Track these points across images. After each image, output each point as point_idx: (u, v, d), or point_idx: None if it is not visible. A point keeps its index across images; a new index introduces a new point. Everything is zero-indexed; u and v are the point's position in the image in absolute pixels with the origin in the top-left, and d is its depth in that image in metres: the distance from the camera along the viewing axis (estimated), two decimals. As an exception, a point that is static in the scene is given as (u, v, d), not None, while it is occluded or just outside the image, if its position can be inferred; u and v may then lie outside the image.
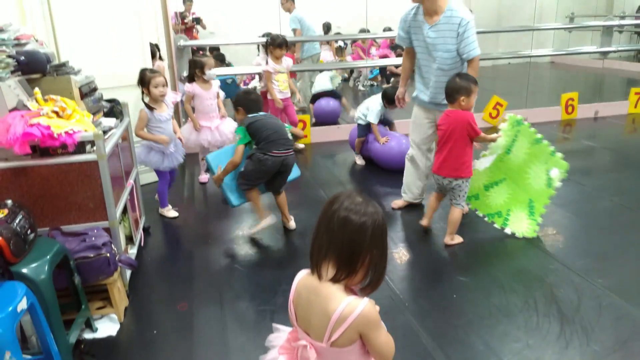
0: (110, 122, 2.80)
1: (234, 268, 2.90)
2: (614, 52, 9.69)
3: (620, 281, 2.61)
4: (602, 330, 2.20)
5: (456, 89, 2.90)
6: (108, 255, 2.30)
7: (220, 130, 4.17)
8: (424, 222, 3.27)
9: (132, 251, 2.94)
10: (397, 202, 3.69)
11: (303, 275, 1.31)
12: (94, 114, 2.68)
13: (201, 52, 7.57)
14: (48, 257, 1.98)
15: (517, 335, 2.19)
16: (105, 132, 2.60)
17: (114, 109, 3.01)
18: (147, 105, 3.30)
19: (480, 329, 2.25)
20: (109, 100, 3.07)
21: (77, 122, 2.38)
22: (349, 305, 1.17)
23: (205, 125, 4.10)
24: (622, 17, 11.04)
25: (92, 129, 2.38)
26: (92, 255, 2.26)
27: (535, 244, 3.07)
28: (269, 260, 3.01)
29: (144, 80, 3.26)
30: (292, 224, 3.38)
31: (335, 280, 1.21)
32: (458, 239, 3.11)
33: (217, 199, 3.96)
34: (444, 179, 3.02)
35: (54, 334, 1.91)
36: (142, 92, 3.30)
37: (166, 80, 3.38)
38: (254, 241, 3.24)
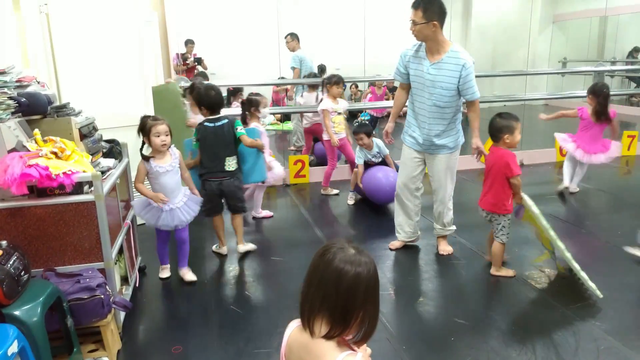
0: (109, 162, 2.83)
1: (229, 309, 2.86)
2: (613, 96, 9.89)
3: (619, 325, 2.58)
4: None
5: (499, 127, 3.03)
6: (102, 296, 2.28)
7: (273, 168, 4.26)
8: (488, 257, 3.34)
9: (127, 292, 2.91)
10: (394, 243, 3.68)
11: (294, 329, 1.26)
12: (92, 154, 2.72)
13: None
14: (41, 299, 1.97)
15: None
16: (103, 173, 2.63)
17: (113, 150, 3.05)
18: (143, 156, 2.97)
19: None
20: (108, 141, 3.11)
21: (76, 163, 2.40)
22: (344, 362, 1.14)
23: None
24: (613, 63, 11.38)
25: (90, 170, 2.41)
26: (86, 296, 2.23)
27: (531, 286, 3.04)
28: (265, 301, 2.98)
29: (145, 128, 2.94)
30: (242, 247, 3.59)
31: (328, 337, 1.17)
32: (506, 272, 3.17)
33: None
34: (482, 211, 3.18)
35: (44, 378, 1.87)
36: (143, 143, 2.97)
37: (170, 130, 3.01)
38: (251, 282, 3.21)
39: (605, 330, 2.52)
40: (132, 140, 3.47)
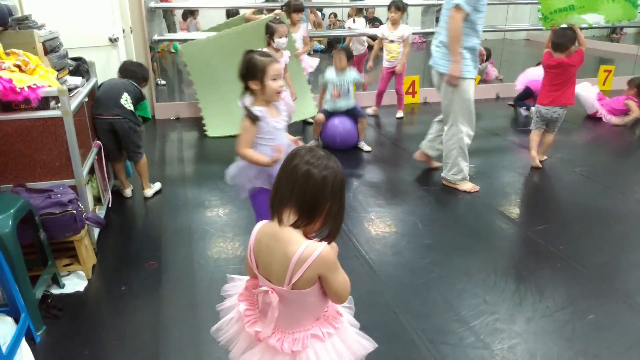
0: (76, 80, 2.75)
1: (204, 229, 2.92)
2: (586, 29, 9.82)
3: (576, 246, 2.73)
4: (555, 289, 2.31)
5: (571, 39, 3.63)
6: (74, 212, 2.29)
7: (286, 101, 3.81)
8: (536, 157, 3.88)
9: (101, 212, 2.93)
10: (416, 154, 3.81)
11: (262, 225, 1.34)
12: (58, 70, 2.63)
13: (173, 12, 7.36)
14: (11, 211, 1.97)
15: (475, 292, 2.29)
16: (70, 90, 2.55)
17: (80, 68, 2.95)
18: (250, 112, 2.04)
19: (441, 287, 2.34)
20: (74, 59, 3.00)
21: (41, 78, 2.33)
22: (308, 248, 1.22)
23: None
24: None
25: (56, 85, 2.34)
26: (57, 211, 2.24)
27: (499, 210, 3.17)
28: (239, 221, 3.04)
29: (255, 68, 2.01)
30: (148, 192, 3.34)
31: (295, 226, 1.25)
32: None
33: (191, 165, 3.95)
34: (553, 110, 3.79)
35: (20, 287, 1.91)
36: (246, 88, 2.07)
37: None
38: (226, 205, 3.26)
39: (564, 251, 2.67)
40: (100, 62, 3.37)
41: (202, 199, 3.33)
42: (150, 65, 5.00)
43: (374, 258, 2.61)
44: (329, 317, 1.37)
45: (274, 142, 2.10)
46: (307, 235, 1.27)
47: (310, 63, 5.01)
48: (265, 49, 3.16)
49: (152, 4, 4.91)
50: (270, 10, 5.40)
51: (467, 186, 3.44)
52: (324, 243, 1.24)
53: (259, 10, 5.69)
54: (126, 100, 3.07)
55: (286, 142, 2.14)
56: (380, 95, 5.47)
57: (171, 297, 2.29)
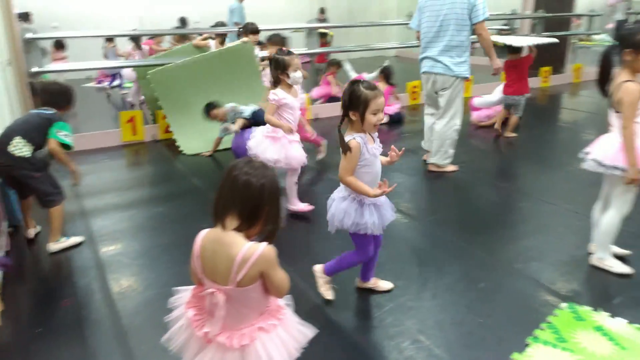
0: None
1: (117, 260, 2.87)
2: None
3: (464, 230, 3.15)
4: (451, 267, 2.67)
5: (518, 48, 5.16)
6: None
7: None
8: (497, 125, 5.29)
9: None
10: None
11: (206, 232, 1.46)
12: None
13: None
14: None
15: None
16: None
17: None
18: (344, 145, 2.09)
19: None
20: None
21: None
22: (250, 248, 1.37)
23: (294, 139, 3.25)
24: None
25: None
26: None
27: (396, 207, 3.52)
28: (152, 250, 3.03)
29: (359, 99, 2.04)
30: (52, 246, 2.95)
31: (238, 230, 1.39)
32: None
33: (99, 196, 3.82)
34: (514, 98, 5.14)
35: None
36: (343, 118, 2.12)
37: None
38: (137, 233, 3.22)
39: (453, 233, 3.06)
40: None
41: (112, 229, 3.26)
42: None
43: (294, 264, 2.78)
44: (272, 311, 1.52)
45: (372, 168, 2.14)
46: (248, 238, 1.42)
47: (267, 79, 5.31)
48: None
49: (28, 35, 4.66)
50: (220, 37, 5.60)
51: (452, 167, 4.20)
52: (265, 243, 1.40)
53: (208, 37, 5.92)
54: (16, 146, 2.77)
55: (380, 168, 2.19)
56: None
57: (96, 330, 2.25)
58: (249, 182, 1.38)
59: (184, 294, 1.56)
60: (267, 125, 3.21)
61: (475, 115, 5.84)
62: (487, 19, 3.85)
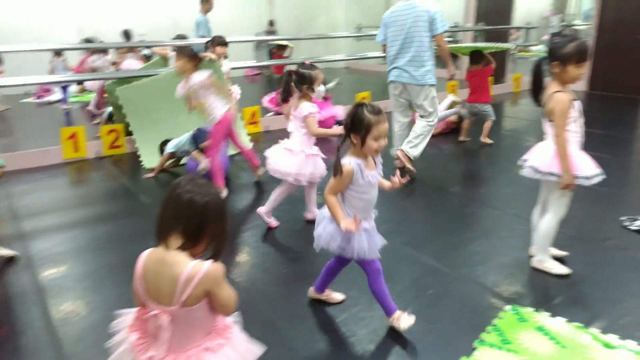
0: None
1: (57, 285, 2.74)
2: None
3: (413, 237, 3.21)
4: (401, 274, 2.72)
5: (482, 56, 5.40)
6: None
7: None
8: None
9: None
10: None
11: (148, 252, 1.42)
12: None
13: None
14: None
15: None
16: None
17: None
18: (338, 166, 2.01)
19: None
20: None
21: None
22: (194, 267, 1.34)
23: (314, 153, 3.25)
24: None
25: None
26: None
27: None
28: (97, 272, 2.92)
29: (362, 123, 1.95)
30: None
31: (182, 249, 1.37)
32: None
33: (37, 218, 3.64)
34: (477, 106, 5.41)
35: None
36: (345, 138, 2.03)
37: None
38: (78, 256, 3.09)
39: (403, 242, 3.12)
40: None
41: (54, 251, 3.11)
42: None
43: (244, 279, 2.75)
44: (220, 330, 1.49)
45: (366, 195, 2.07)
46: (193, 257, 1.39)
47: (237, 92, 5.30)
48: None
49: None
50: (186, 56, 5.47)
51: (412, 167, 4.37)
52: (209, 262, 1.38)
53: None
54: None
55: (375, 195, 2.14)
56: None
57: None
58: (193, 199, 1.36)
59: (127, 316, 1.51)
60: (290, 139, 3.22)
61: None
62: (446, 31, 4.19)
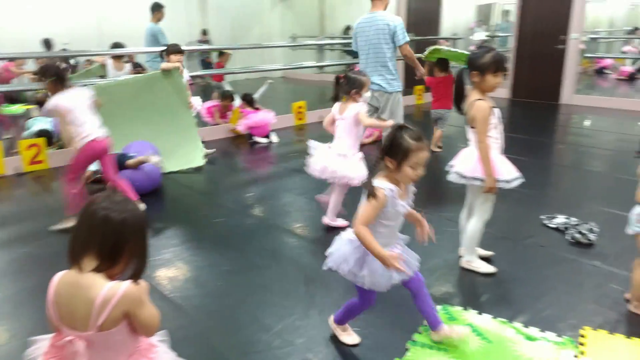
0: None
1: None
2: (328, 66, 11.50)
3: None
4: (336, 283, 2.73)
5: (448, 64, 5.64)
6: None
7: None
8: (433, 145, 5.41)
9: None
10: None
11: (61, 275, 1.34)
12: None
13: None
14: None
15: (274, 302, 2.55)
16: None
17: None
18: (371, 190, 1.87)
19: (244, 305, 2.54)
20: None
21: None
22: (111, 289, 1.28)
23: (360, 156, 3.42)
24: (332, 38, 13.16)
25: None
26: None
27: (283, 227, 3.54)
28: (17, 292, 2.73)
29: (400, 148, 1.84)
30: None
31: (97, 270, 1.29)
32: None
33: None
34: (438, 112, 5.51)
35: None
36: (378, 161, 1.92)
37: None
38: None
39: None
40: None
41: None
42: None
43: (179, 295, 2.67)
44: (143, 350, 1.44)
45: (392, 222, 1.95)
46: (111, 278, 1.32)
47: (197, 103, 5.24)
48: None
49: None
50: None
51: None
52: (127, 282, 1.32)
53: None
54: None
55: (400, 224, 2.03)
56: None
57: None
58: (108, 217, 1.30)
59: (42, 343, 1.42)
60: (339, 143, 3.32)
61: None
62: (408, 42, 4.50)
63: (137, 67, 6.88)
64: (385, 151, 1.86)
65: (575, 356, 2.10)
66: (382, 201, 1.84)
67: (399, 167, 1.84)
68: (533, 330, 2.28)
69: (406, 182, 1.91)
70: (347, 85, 3.27)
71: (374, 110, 4.70)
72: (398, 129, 1.86)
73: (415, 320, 2.34)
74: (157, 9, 7.03)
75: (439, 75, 5.56)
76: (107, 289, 1.28)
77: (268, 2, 12.73)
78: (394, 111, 4.63)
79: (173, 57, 4.87)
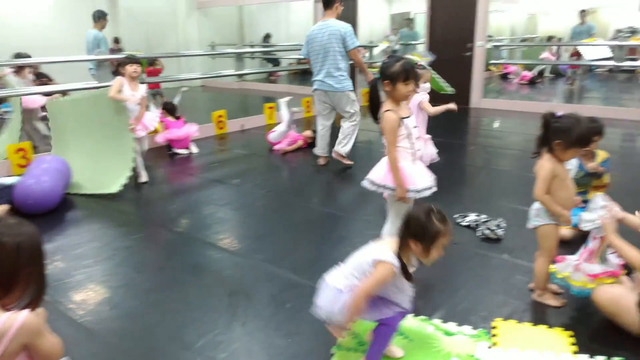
0: None
1: None
2: (248, 74, 11.44)
3: (273, 253, 3.23)
4: (259, 292, 2.71)
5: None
6: None
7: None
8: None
9: None
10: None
11: None
12: None
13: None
14: None
15: (195, 317, 2.47)
16: None
17: None
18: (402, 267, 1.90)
19: (164, 324, 2.43)
20: None
21: None
22: (7, 321, 1.17)
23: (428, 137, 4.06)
24: (252, 46, 13.10)
25: None
26: None
27: (204, 239, 3.45)
28: None
29: (428, 233, 1.85)
30: None
31: None
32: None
33: None
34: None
35: None
36: (403, 241, 1.91)
37: None
38: None
39: (262, 259, 3.12)
40: None
41: None
42: None
43: (91, 319, 2.50)
44: (45, 381, 1.33)
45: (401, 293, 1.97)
46: (6, 307, 1.22)
47: (153, 119, 4.89)
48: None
49: None
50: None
51: (348, 162, 5.13)
52: (25, 311, 1.22)
53: None
54: None
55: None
56: None
57: None
58: (1, 242, 1.19)
59: None
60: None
61: (277, 148, 6.01)
62: (357, 47, 4.91)
63: (42, 78, 6.43)
64: (413, 235, 1.85)
65: (489, 347, 2.22)
66: (389, 276, 1.86)
67: (425, 250, 1.85)
68: (451, 325, 2.38)
69: (428, 264, 1.94)
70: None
71: (330, 109, 5.17)
72: (426, 212, 1.86)
73: (339, 325, 2.36)
74: (101, 17, 7.21)
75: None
76: (2, 322, 1.17)
77: (183, 9, 12.42)
78: (351, 108, 5.06)
79: (129, 67, 4.44)
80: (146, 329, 2.40)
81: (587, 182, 3.38)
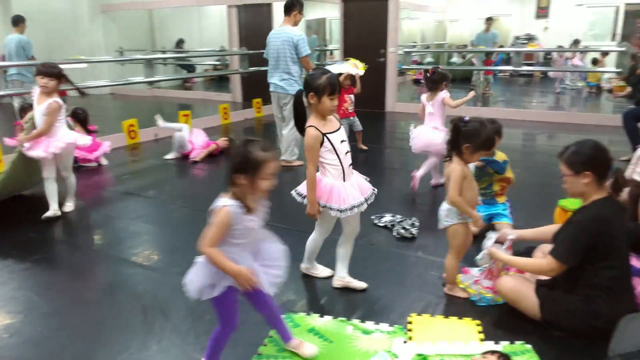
0: None
1: None
2: (160, 81, 11.06)
3: (189, 266, 3.11)
4: (175, 306, 2.61)
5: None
6: None
7: None
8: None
9: None
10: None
11: None
12: None
13: None
14: None
15: (108, 338, 2.34)
16: None
17: None
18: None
19: (73, 347, 2.28)
20: None
21: None
22: None
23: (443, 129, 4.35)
24: (164, 52, 12.68)
25: None
26: None
27: (118, 255, 3.27)
28: None
29: (249, 162, 1.81)
30: None
31: None
32: None
33: None
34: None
35: None
36: (233, 179, 1.84)
37: None
38: None
39: (179, 273, 3.01)
40: None
41: None
42: None
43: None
44: None
45: (245, 241, 1.90)
46: None
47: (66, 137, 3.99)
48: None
49: None
50: None
51: (298, 162, 5.36)
52: None
53: None
54: None
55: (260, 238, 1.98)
56: None
57: None
58: None
59: None
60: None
61: (192, 156, 5.81)
62: (308, 54, 5.19)
63: None
64: (236, 169, 1.81)
65: (405, 342, 2.30)
66: (227, 219, 1.82)
67: (252, 182, 1.81)
68: (369, 324, 2.44)
69: (261, 195, 1.89)
70: (437, 80, 4.32)
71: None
72: (245, 144, 1.83)
73: (260, 334, 2.34)
74: (21, 21, 7.36)
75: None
76: None
77: (87, 12, 11.73)
78: (289, 112, 5.25)
79: (39, 79, 3.71)
80: (52, 355, 2.24)
81: (488, 177, 3.59)
